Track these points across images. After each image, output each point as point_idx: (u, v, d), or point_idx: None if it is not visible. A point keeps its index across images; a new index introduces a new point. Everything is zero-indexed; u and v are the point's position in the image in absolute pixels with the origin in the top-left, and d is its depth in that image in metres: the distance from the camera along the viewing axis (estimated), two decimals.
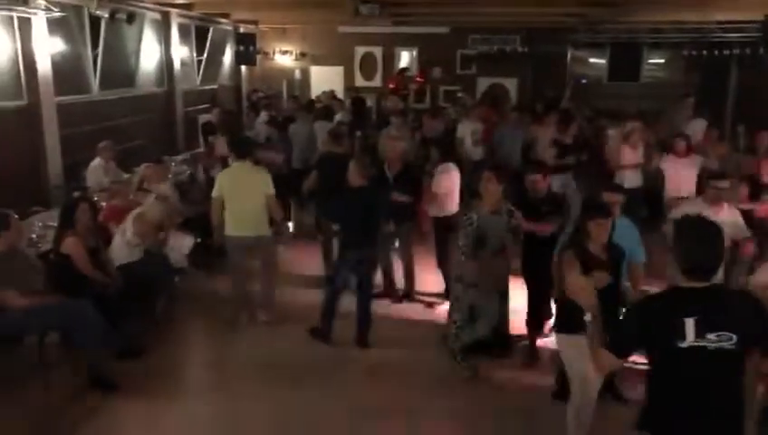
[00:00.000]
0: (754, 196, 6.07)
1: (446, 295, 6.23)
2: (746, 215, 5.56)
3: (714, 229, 2.59)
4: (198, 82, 13.05)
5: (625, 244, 4.09)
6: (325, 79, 15.59)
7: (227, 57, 14.52)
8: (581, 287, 3.23)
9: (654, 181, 7.71)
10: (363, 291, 5.63)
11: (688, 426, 2.55)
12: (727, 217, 5.12)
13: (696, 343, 2.44)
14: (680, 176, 7.13)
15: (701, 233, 2.56)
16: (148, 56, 10.86)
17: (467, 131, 9.52)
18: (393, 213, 6.14)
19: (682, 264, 2.53)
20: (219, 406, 4.67)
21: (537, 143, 9.36)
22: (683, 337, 2.44)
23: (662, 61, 16.06)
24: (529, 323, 5.32)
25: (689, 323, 2.43)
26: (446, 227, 6.47)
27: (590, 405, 3.80)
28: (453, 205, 6.60)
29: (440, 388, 4.90)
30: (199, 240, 7.04)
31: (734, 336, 2.43)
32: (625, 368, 3.59)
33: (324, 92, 13.68)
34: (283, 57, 16.15)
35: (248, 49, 14.28)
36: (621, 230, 4.10)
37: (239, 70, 15.09)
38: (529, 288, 5.28)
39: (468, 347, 5.05)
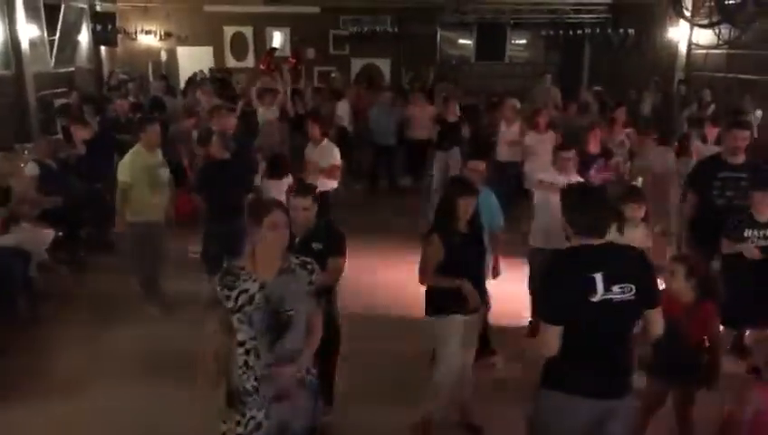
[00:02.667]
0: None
1: None
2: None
3: (597, 193, 2.86)
4: (52, 65, 12.02)
5: (484, 212, 4.18)
6: (194, 60, 14.94)
7: (84, 37, 13.48)
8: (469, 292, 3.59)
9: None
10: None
11: (593, 376, 2.70)
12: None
13: (604, 297, 2.60)
14: (540, 150, 7.53)
15: (588, 197, 2.79)
16: None
17: (346, 110, 9.84)
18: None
19: (578, 226, 2.70)
20: (88, 404, 4.39)
21: (411, 122, 9.62)
22: (594, 292, 2.59)
23: (525, 41, 16.91)
24: None
25: (598, 278, 2.60)
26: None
27: (449, 382, 3.87)
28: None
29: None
30: (61, 233, 6.53)
31: (633, 287, 2.62)
32: None
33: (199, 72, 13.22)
34: (147, 37, 15.27)
35: (107, 28, 13.38)
36: (481, 200, 4.14)
37: (99, 51, 14.09)
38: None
39: None
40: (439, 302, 3.82)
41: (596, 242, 2.68)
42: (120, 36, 14.38)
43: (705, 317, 3.44)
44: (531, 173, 6.96)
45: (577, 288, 2.62)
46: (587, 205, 2.72)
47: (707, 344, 3.49)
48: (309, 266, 2.86)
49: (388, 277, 6.17)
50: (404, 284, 5.42)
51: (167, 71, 14.81)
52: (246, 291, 2.74)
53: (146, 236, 5.65)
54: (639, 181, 6.81)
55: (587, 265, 2.64)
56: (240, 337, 2.77)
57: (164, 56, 15.37)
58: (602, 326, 2.66)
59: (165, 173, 5.72)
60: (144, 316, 5.70)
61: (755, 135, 9.20)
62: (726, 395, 3.44)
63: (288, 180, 7.31)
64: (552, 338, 2.67)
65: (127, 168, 5.53)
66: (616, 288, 2.61)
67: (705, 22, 10.55)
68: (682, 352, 3.41)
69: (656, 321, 2.76)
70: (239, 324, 2.75)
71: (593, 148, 6.62)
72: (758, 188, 4.44)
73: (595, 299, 2.60)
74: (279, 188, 6.97)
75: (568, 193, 2.85)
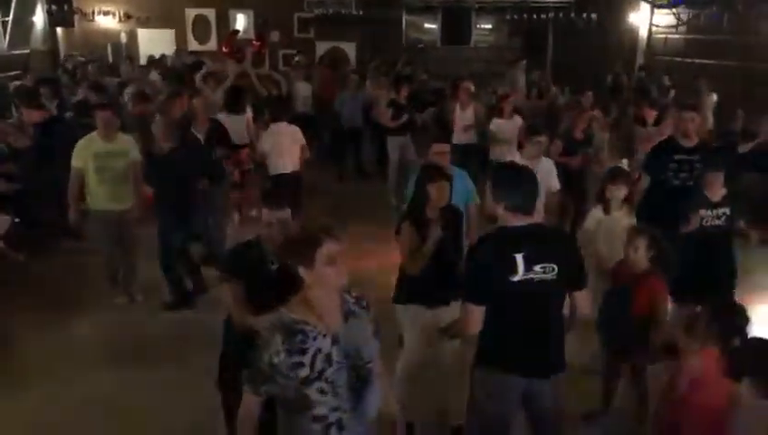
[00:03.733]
0: (570, 151, 6.60)
1: None
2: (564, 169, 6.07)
3: (526, 172, 2.86)
4: (6, 46, 11.65)
5: (460, 188, 4.21)
6: (155, 43, 14.60)
7: (39, 18, 13.08)
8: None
9: (485, 142, 8.17)
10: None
11: (521, 355, 2.78)
12: (544, 168, 5.49)
13: (525, 276, 2.66)
14: (505, 136, 7.57)
15: (516, 176, 2.82)
16: None
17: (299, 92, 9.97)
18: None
19: (505, 204, 2.73)
20: (59, 390, 4.34)
21: (377, 105, 9.60)
22: (515, 272, 2.65)
23: (490, 26, 16.96)
24: None
25: (519, 259, 2.65)
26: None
27: (413, 367, 3.78)
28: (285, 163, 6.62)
29: None
30: (18, 220, 6.38)
31: (555, 267, 2.68)
32: None
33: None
34: (105, 19, 14.86)
35: (62, 9, 13.01)
36: (455, 178, 4.16)
37: (55, 33, 13.69)
38: None
39: None
40: (403, 289, 3.73)
41: (522, 222, 2.72)
42: (76, 17, 13.98)
43: (652, 288, 3.55)
44: (497, 159, 7.02)
45: (498, 268, 2.68)
46: (516, 183, 2.77)
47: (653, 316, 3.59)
48: (363, 303, 2.40)
49: (360, 265, 6.04)
50: (375, 271, 5.41)
51: (127, 54, 14.48)
52: (320, 350, 2.19)
53: (103, 225, 5.48)
54: (625, 163, 6.93)
55: (509, 245, 2.69)
56: (319, 411, 2.20)
57: (124, 38, 14.99)
58: (526, 305, 2.71)
59: (119, 162, 5.37)
60: (111, 303, 5.63)
61: (710, 119, 9.49)
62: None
63: (247, 115, 7.25)
64: (474, 319, 2.73)
65: (77, 153, 5.34)
66: (537, 268, 2.66)
67: (665, 2, 10.72)
68: (632, 322, 3.52)
69: (583, 303, 2.83)
70: (319, 395, 2.18)
71: (579, 134, 6.68)
72: (710, 170, 4.56)
73: (515, 279, 2.65)
74: (238, 124, 6.91)
75: (498, 171, 2.92)
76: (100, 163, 5.31)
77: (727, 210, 4.51)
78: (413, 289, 3.63)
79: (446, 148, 4.62)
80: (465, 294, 2.78)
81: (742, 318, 2.97)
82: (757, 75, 9.93)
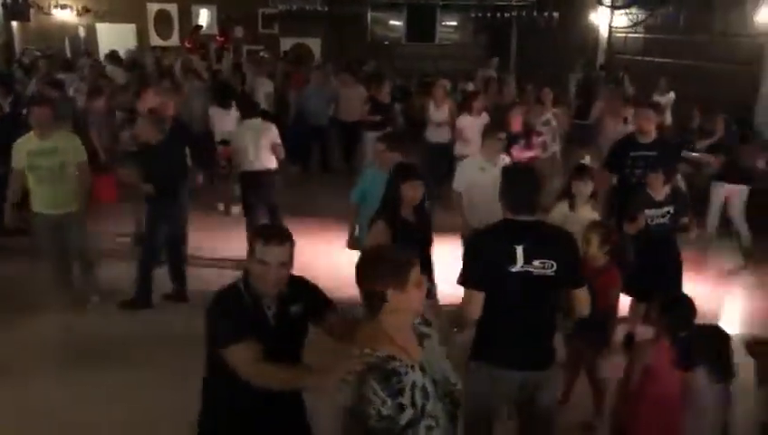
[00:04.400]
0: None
1: None
2: None
3: (530, 174, 2.97)
4: None
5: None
6: (115, 38, 14.32)
7: None
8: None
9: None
10: (174, 244, 5.48)
11: (517, 349, 2.80)
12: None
13: (523, 268, 2.71)
14: (472, 133, 7.63)
15: (521, 177, 2.92)
16: None
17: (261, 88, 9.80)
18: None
19: (510, 202, 2.82)
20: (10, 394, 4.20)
21: (341, 101, 9.58)
22: (514, 262, 2.70)
23: (455, 23, 17.08)
24: None
25: (519, 250, 2.71)
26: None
27: None
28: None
29: None
30: None
31: (554, 264, 2.73)
32: None
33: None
34: (63, 12, 14.50)
35: (18, 2, 12.67)
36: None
37: (10, 26, 13.32)
38: None
39: None
40: None
41: (526, 219, 2.79)
42: (32, 11, 13.62)
43: (607, 281, 3.65)
44: (460, 155, 7.08)
45: (498, 256, 2.74)
46: (515, 183, 2.85)
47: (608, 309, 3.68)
48: (428, 321, 2.23)
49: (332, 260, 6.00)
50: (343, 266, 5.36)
51: (85, 48, 14.17)
52: (416, 384, 2.00)
53: (45, 229, 5.20)
54: (587, 159, 7.05)
55: (510, 236, 2.75)
56: None
57: (82, 33, 14.66)
58: (523, 299, 2.76)
59: (52, 160, 5.01)
60: (60, 305, 5.43)
61: (668, 116, 9.74)
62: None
63: (234, 113, 7.15)
64: (474, 304, 2.77)
65: (14, 152, 5.05)
66: (536, 262, 2.71)
67: (620, 3, 10.92)
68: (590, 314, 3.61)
69: (581, 300, 2.87)
70: (427, 433, 1.99)
71: (515, 127, 6.78)
72: (652, 170, 4.68)
73: (514, 269, 2.70)
74: (226, 120, 6.81)
75: (503, 173, 3.00)
76: (33, 162, 4.98)
77: (671, 208, 4.62)
78: None
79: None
80: (465, 280, 2.81)
81: (689, 311, 3.07)
82: (712, 74, 10.21)
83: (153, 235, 5.38)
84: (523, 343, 2.81)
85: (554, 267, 2.73)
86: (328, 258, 6.05)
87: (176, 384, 3.46)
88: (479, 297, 2.77)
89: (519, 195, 2.81)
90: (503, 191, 2.86)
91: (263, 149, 6.20)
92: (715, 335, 3.07)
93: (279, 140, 6.29)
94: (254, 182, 6.25)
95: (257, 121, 6.38)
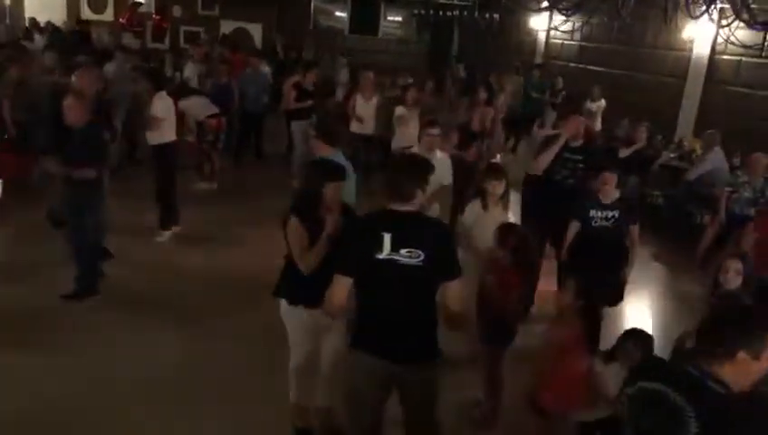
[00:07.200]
0: (464, 143, 6.80)
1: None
2: (459, 160, 6.23)
3: (413, 161, 2.95)
4: None
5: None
6: (44, 9, 13.60)
7: None
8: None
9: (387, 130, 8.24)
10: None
11: (384, 338, 2.82)
12: (439, 161, 5.58)
13: (390, 256, 2.70)
14: (408, 125, 7.68)
15: (400, 164, 2.93)
16: None
17: (194, 72, 9.59)
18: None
19: (386, 188, 2.82)
20: None
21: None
22: (381, 249, 2.70)
23: (399, 18, 17.13)
24: None
25: (386, 238, 2.71)
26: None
27: (304, 366, 3.62)
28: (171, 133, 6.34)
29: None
30: None
31: (422, 254, 2.71)
32: None
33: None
34: None
35: None
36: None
37: None
38: None
39: None
40: (292, 287, 3.48)
41: (400, 208, 2.78)
42: None
43: (507, 283, 3.63)
44: (397, 147, 7.11)
45: (365, 243, 2.74)
46: (398, 169, 2.87)
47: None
48: None
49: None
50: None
51: (11, 18, 13.42)
52: None
53: None
54: (498, 158, 7.17)
55: (380, 224, 2.76)
56: None
57: (8, 1, 13.87)
58: (390, 288, 2.76)
59: None
60: None
61: (599, 123, 10.09)
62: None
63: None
64: (338, 289, 2.76)
65: None
66: (403, 251, 2.70)
67: (545, 4, 11.11)
68: (492, 314, 3.68)
69: (451, 295, 2.79)
70: None
71: (476, 126, 6.87)
72: (607, 170, 4.71)
73: (380, 256, 2.70)
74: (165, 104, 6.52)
75: (390, 159, 2.99)
76: None
77: (617, 213, 4.69)
78: (301, 288, 3.40)
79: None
80: (337, 264, 2.80)
81: (648, 346, 3.25)
82: (640, 84, 10.63)
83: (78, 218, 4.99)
84: (393, 334, 2.81)
85: (421, 257, 2.70)
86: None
87: None
88: (344, 283, 2.76)
89: (394, 183, 2.80)
90: (384, 178, 2.89)
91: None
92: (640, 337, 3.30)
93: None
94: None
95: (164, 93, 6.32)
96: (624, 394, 2.06)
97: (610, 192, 4.71)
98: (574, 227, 4.81)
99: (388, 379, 2.87)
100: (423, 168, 2.90)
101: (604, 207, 4.71)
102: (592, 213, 4.71)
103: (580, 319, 3.24)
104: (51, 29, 11.60)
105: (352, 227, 2.96)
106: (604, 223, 4.71)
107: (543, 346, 3.39)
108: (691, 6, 4.46)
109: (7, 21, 12.83)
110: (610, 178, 4.67)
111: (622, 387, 2.12)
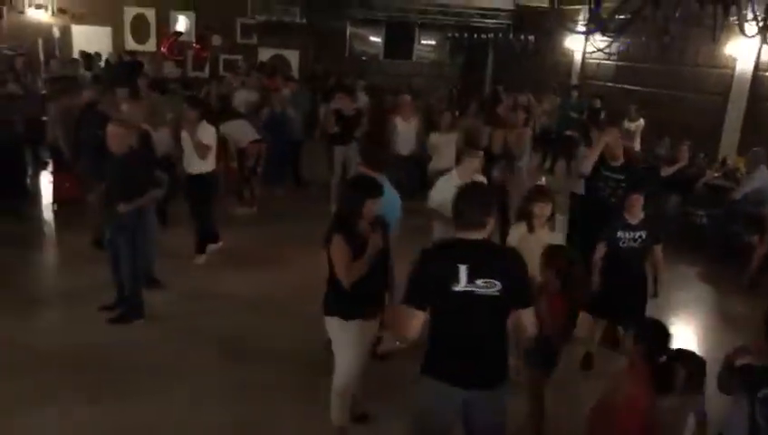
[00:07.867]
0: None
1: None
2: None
3: (479, 192, 2.97)
4: None
5: (388, 208, 3.97)
6: (90, 40, 14.13)
7: None
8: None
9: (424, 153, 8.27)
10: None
11: (459, 365, 2.81)
12: None
13: (467, 288, 2.69)
14: (441, 153, 7.69)
15: (470, 195, 2.89)
16: None
17: (242, 100, 9.59)
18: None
19: (457, 219, 2.82)
20: None
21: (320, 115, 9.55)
22: (457, 281, 2.68)
23: (432, 42, 17.26)
24: None
25: (462, 269, 2.69)
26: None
27: (353, 386, 3.75)
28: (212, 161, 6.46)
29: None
30: None
31: (499, 284, 2.71)
32: None
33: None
34: (38, 12, 14.26)
35: None
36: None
37: None
38: None
39: None
40: (341, 303, 3.57)
41: (472, 238, 2.78)
42: (5, 8, 13.37)
43: (556, 308, 3.59)
44: (434, 170, 7.12)
45: (440, 275, 2.72)
46: (463, 201, 2.84)
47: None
48: None
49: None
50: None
51: (60, 50, 13.96)
52: None
53: None
54: (543, 180, 7.13)
55: (454, 255, 2.74)
56: None
57: (56, 33, 14.44)
58: (466, 317, 2.75)
59: None
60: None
61: (638, 142, 9.94)
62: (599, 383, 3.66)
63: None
64: (413, 322, 2.75)
65: None
66: (480, 282, 2.69)
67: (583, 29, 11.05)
68: (539, 338, 3.62)
69: (524, 322, 2.83)
70: None
71: (496, 148, 6.86)
72: (633, 191, 4.71)
73: (457, 289, 2.69)
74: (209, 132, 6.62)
75: (460, 189, 2.98)
76: None
77: (644, 233, 4.65)
78: (353, 304, 3.53)
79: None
80: (407, 297, 2.78)
81: (665, 335, 3.12)
82: (681, 102, 10.47)
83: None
84: (467, 362, 2.80)
85: (498, 287, 2.70)
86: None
87: None
88: (419, 316, 2.75)
89: (465, 213, 2.79)
90: (453, 209, 2.86)
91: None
92: (693, 360, 3.13)
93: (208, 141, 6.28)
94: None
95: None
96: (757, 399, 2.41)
97: (637, 213, 4.66)
98: (601, 249, 4.73)
99: (459, 405, 2.86)
100: (491, 196, 2.99)
101: (632, 228, 4.66)
102: (620, 234, 4.67)
103: (647, 365, 3.07)
104: (101, 60, 11.97)
105: (424, 259, 2.85)
106: (632, 244, 4.67)
107: (606, 396, 3.24)
108: (745, 25, 4.39)
109: (57, 53, 13.30)
110: (637, 199, 4.64)
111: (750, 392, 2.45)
